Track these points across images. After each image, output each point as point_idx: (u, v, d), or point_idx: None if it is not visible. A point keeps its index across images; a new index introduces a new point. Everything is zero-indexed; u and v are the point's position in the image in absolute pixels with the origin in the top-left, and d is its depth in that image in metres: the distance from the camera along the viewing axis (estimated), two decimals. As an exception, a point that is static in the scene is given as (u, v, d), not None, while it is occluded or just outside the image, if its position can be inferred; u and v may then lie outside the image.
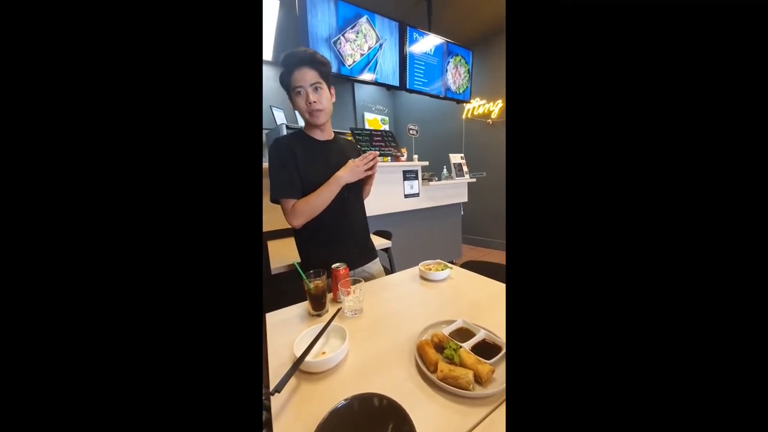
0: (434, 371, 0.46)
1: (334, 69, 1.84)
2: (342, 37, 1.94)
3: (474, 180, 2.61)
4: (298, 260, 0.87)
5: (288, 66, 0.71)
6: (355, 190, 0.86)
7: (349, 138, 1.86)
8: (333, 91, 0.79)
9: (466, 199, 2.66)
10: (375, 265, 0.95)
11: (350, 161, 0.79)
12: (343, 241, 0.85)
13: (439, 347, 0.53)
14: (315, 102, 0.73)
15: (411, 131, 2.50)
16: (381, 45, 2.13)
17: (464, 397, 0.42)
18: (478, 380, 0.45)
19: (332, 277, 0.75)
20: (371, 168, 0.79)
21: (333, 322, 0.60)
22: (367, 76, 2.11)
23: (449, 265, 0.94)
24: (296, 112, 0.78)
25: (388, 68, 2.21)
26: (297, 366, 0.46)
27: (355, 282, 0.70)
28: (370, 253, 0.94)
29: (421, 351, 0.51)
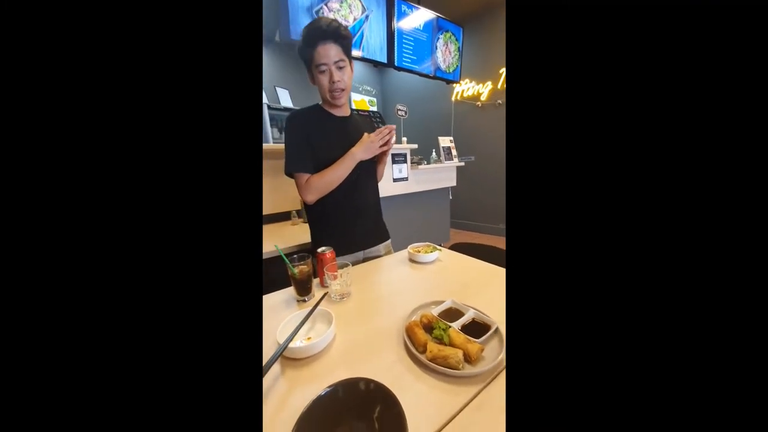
0: (423, 352, 0.45)
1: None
2: (325, 7, 1.79)
3: (463, 164, 2.59)
4: (281, 245, 0.83)
5: (311, 39, 0.66)
6: (369, 169, 0.84)
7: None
8: (353, 65, 0.76)
9: (454, 183, 2.65)
10: (386, 247, 0.95)
11: (365, 135, 0.76)
12: (354, 220, 0.83)
13: (429, 328, 0.52)
14: (339, 81, 0.70)
15: (399, 112, 2.42)
16: (367, 17, 2.00)
17: (454, 377, 0.42)
18: (468, 359, 0.44)
19: (318, 262, 0.72)
20: (386, 143, 0.76)
21: (319, 307, 0.57)
22: (353, 52, 1.98)
23: (438, 247, 0.93)
24: (313, 87, 0.73)
25: (375, 43, 2.09)
26: (281, 352, 0.43)
27: (342, 266, 0.67)
28: (382, 234, 0.93)
29: (410, 332, 0.49)
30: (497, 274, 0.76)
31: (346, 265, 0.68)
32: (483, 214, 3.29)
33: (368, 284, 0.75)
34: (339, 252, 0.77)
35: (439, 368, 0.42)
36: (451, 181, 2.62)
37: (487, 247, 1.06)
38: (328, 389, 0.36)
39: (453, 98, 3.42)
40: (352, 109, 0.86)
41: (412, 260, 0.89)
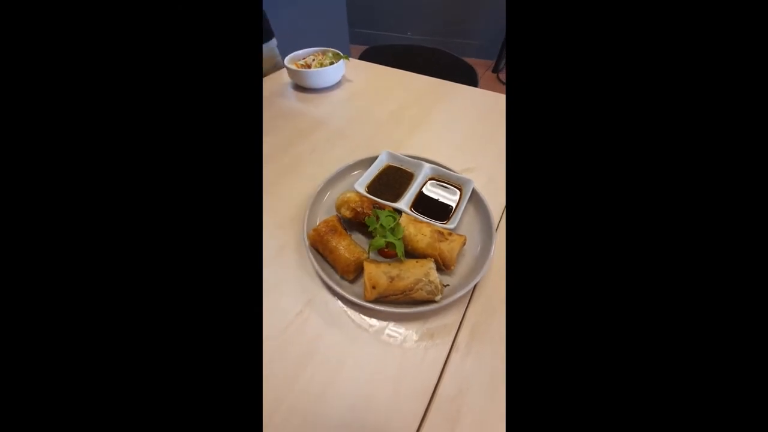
0: (354, 279, 0.22)
1: None
2: None
3: None
4: None
5: None
6: None
7: None
8: None
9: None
10: (268, 53, 0.57)
11: None
12: None
13: (358, 225, 0.26)
14: None
15: None
16: None
17: (425, 313, 0.21)
18: (443, 265, 0.23)
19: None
20: None
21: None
22: None
23: (342, 54, 0.52)
24: None
25: None
26: None
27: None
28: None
29: (321, 247, 0.23)
30: (448, 90, 0.47)
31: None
32: (399, 20, 2.13)
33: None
34: None
35: (394, 311, 0.21)
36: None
37: (419, 49, 0.65)
38: None
39: None
40: None
41: (299, 86, 0.48)
